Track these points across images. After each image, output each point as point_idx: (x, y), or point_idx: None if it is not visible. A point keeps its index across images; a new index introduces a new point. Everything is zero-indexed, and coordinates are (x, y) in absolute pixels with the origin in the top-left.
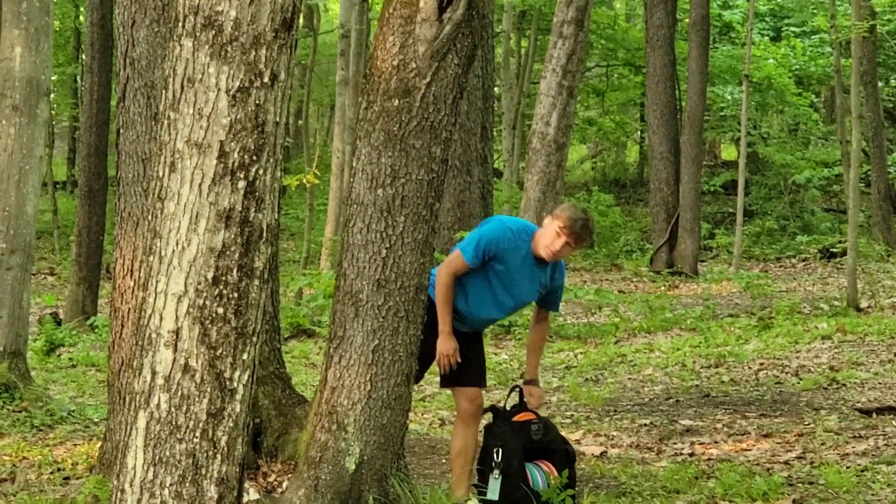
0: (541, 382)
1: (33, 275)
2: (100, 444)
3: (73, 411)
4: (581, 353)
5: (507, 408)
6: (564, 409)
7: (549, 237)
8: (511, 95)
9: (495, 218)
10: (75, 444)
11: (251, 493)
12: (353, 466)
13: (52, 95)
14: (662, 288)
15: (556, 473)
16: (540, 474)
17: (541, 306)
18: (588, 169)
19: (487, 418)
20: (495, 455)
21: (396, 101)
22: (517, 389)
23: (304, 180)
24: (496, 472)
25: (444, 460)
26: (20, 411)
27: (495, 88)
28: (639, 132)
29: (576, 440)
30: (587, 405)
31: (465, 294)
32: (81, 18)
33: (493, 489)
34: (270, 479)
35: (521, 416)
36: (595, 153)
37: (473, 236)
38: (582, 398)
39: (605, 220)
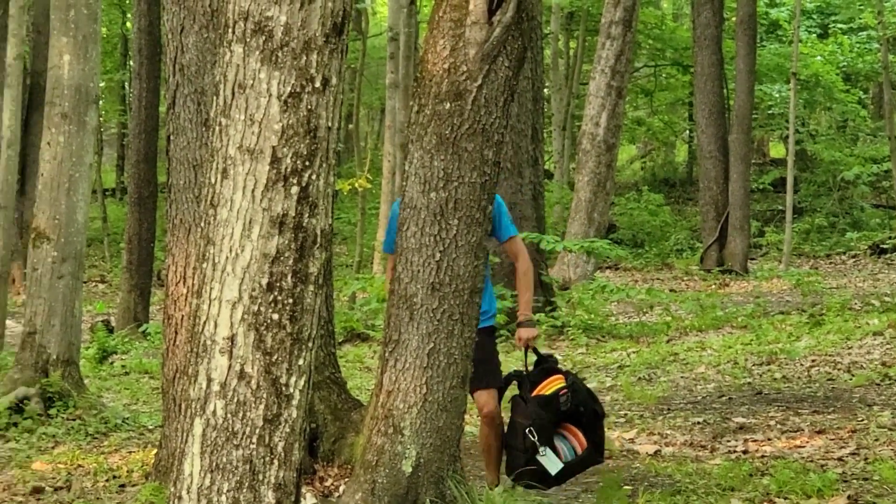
0: (594, 381)
1: (84, 282)
2: (155, 451)
3: (127, 419)
4: (633, 352)
5: (530, 369)
6: (618, 408)
7: None
8: (560, 97)
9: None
10: (130, 452)
11: (308, 498)
12: (410, 469)
13: (100, 102)
14: (713, 286)
15: (583, 440)
16: (566, 446)
17: (501, 239)
18: (637, 169)
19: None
20: (529, 435)
21: (448, 104)
22: (532, 350)
23: (356, 184)
24: (542, 449)
25: None
26: (74, 419)
27: (545, 90)
28: (687, 131)
29: (630, 439)
30: (640, 404)
31: None
32: (129, 25)
33: (552, 462)
34: (327, 484)
35: (548, 383)
36: (644, 153)
37: None
38: (635, 397)
39: (655, 220)
